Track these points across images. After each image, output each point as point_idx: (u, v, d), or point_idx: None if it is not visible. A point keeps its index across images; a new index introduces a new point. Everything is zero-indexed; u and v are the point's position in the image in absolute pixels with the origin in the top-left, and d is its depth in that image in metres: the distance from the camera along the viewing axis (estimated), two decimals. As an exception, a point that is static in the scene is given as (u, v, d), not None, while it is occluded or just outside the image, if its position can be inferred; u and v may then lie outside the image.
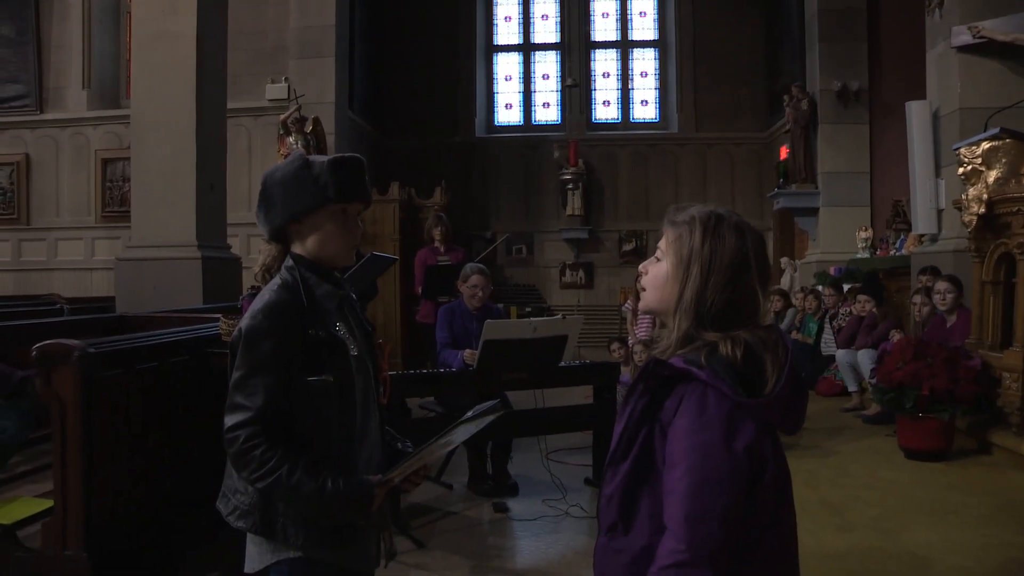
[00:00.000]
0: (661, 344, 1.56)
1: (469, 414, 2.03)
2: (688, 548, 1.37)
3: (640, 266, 1.67)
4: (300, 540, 1.96)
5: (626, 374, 7.39)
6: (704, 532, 1.37)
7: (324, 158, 2.05)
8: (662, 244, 1.61)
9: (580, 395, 6.02)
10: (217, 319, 4.61)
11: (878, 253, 10.09)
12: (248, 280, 8.65)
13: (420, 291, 7.89)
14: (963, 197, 5.67)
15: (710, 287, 1.50)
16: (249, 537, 2.05)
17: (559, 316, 5.75)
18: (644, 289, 1.65)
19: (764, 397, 1.44)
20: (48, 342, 3.65)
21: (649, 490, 1.47)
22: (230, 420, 1.90)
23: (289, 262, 2.04)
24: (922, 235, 8.09)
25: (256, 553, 2.03)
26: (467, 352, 5.09)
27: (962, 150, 5.72)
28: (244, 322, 1.96)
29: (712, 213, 1.57)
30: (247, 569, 2.05)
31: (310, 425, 1.95)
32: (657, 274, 1.59)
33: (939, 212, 7.60)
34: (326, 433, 1.97)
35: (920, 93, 8.07)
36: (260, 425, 1.87)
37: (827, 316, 8.52)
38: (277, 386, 1.90)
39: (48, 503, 3.79)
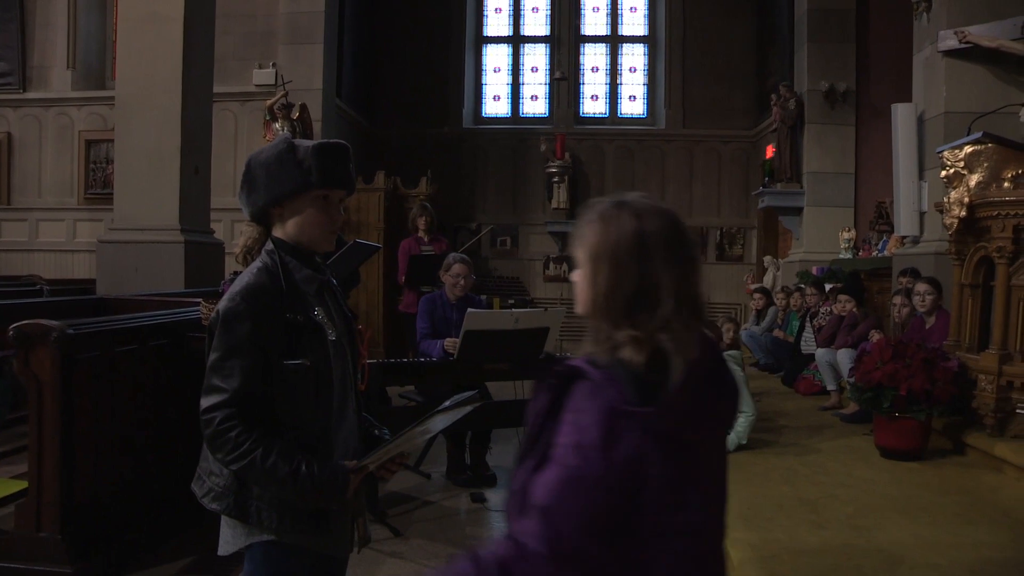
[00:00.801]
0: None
1: (447, 403, 2.03)
2: (536, 538, 1.29)
3: (571, 276, 1.58)
4: (274, 523, 1.96)
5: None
6: (556, 531, 1.29)
7: (309, 143, 2.04)
8: (575, 247, 1.52)
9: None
10: (198, 303, 4.59)
11: (860, 254, 10.15)
12: (231, 265, 8.62)
13: (403, 280, 7.88)
14: (945, 200, 5.71)
15: (613, 280, 1.40)
16: (223, 520, 2.04)
17: (541, 309, 5.75)
18: None
19: (654, 406, 1.33)
20: (26, 322, 3.63)
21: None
22: (206, 402, 1.90)
23: (269, 245, 2.04)
24: (904, 237, 8.14)
25: (230, 536, 2.03)
26: (448, 340, 5.09)
27: (945, 153, 5.75)
28: (222, 304, 1.96)
29: (613, 202, 1.47)
30: (221, 551, 2.05)
31: (286, 409, 1.95)
32: (577, 279, 1.51)
33: (921, 215, 7.65)
34: (302, 417, 1.97)
35: (906, 96, 8.12)
36: (236, 407, 1.87)
37: (808, 315, 8.57)
38: (253, 368, 1.90)
39: (23, 484, 3.77)
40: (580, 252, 1.48)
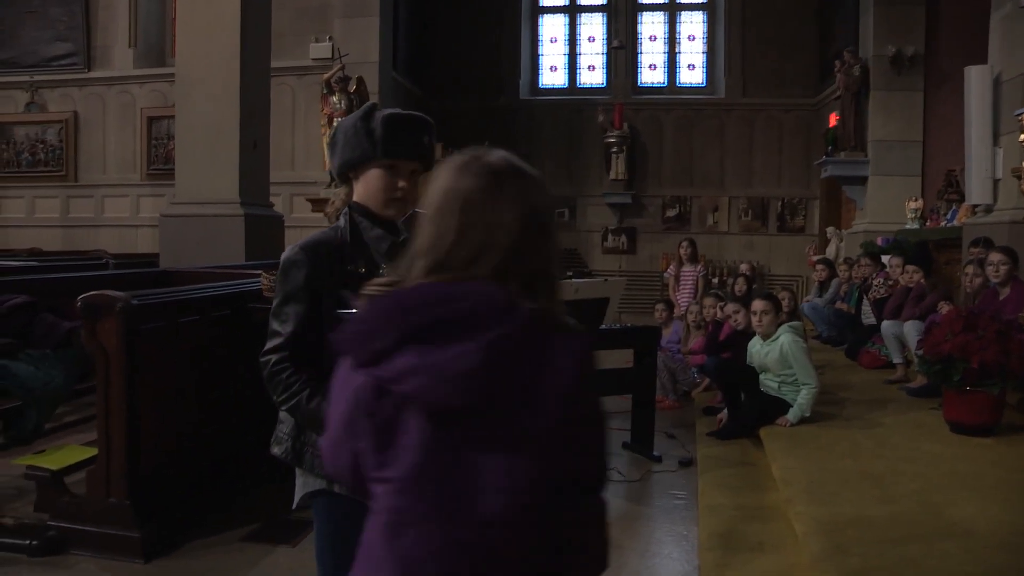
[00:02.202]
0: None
1: None
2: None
3: None
4: (325, 470, 1.99)
5: (666, 336, 7.38)
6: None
7: (387, 112, 2.07)
8: None
9: (620, 359, 5.98)
10: (259, 275, 4.63)
11: (927, 224, 9.86)
12: (290, 238, 8.71)
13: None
14: (1023, 165, 5.49)
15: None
16: (296, 472, 2.12)
17: (602, 279, 5.69)
18: None
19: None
20: (92, 293, 3.70)
21: None
22: (266, 346, 2.01)
23: (345, 208, 2.13)
24: (976, 206, 7.88)
25: (297, 486, 2.11)
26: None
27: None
28: (284, 254, 2.05)
29: (471, 154, 1.44)
30: (295, 504, 2.14)
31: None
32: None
33: (995, 182, 7.39)
34: None
35: (980, 58, 7.81)
36: (288, 351, 1.98)
37: (862, 287, 8.36)
38: (307, 314, 1.99)
39: (93, 451, 3.86)
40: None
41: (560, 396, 1.29)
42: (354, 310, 1.93)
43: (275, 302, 2.03)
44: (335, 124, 2.19)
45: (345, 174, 2.12)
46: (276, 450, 2.10)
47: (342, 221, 2.09)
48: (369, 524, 1.35)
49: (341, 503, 2.01)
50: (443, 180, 1.39)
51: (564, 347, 1.31)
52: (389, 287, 1.42)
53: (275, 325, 2.01)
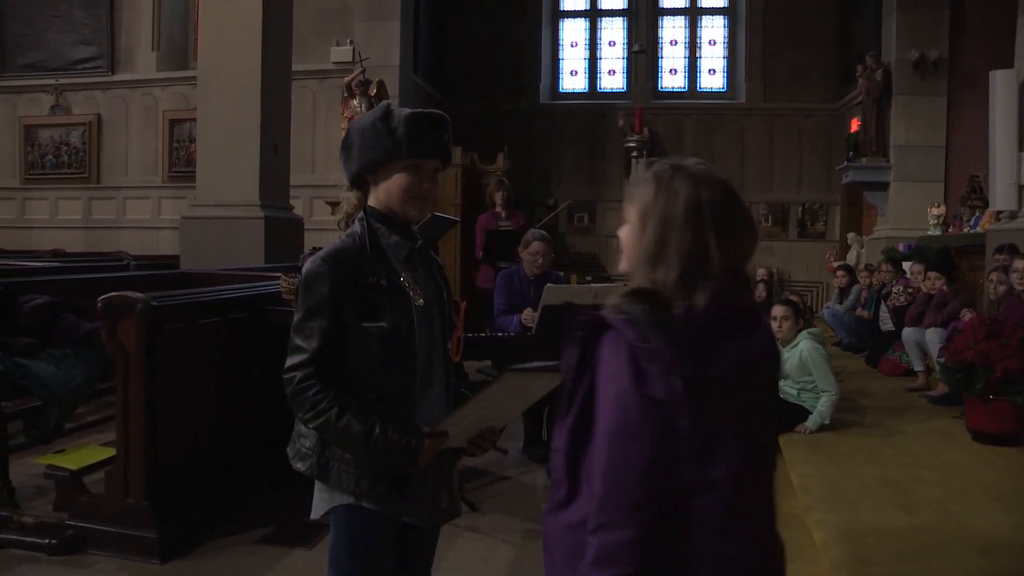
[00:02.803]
0: None
1: (524, 365, 1.99)
2: (604, 507, 1.30)
3: (618, 231, 1.58)
4: (352, 486, 1.99)
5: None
6: (620, 488, 1.30)
7: (405, 111, 2.05)
8: (626, 205, 1.53)
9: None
10: (278, 278, 4.64)
11: (950, 230, 9.76)
12: (310, 241, 8.74)
13: (480, 256, 7.88)
14: (1047, 171, 5.43)
15: (662, 240, 1.41)
16: (316, 485, 2.09)
17: (621, 284, 5.66)
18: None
19: (665, 339, 1.34)
20: (113, 294, 3.73)
21: (591, 444, 1.40)
22: (289, 362, 1.97)
23: (362, 213, 2.09)
24: (1000, 212, 7.80)
25: (319, 500, 2.08)
26: (526, 312, 5.05)
27: (1048, 122, 5.46)
28: (305, 266, 2.02)
29: (669, 165, 1.47)
30: (312, 515, 2.11)
31: (363, 370, 1.98)
32: (625, 237, 1.51)
33: (1020, 188, 7.31)
34: (380, 380, 1.99)
35: (1005, 62, 7.73)
36: (314, 367, 1.93)
37: (881, 293, 8.29)
38: (331, 329, 1.94)
39: (112, 451, 3.88)
40: (631, 212, 1.49)
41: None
42: (378, 324, 1.93)
43: (297, 316, 1.99)
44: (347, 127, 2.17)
45: (362, 177, 2.09)
46: (300, 465, 2.06)
47: (358, 227, 2.05)
48: (677, 535, 1.34)
49: (364, 515, 2.01)
50: (679, 192, 1.42)
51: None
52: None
53: (298, 340, 1.97)
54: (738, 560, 1.36)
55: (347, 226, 2.15)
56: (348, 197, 2.18)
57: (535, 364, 1.99)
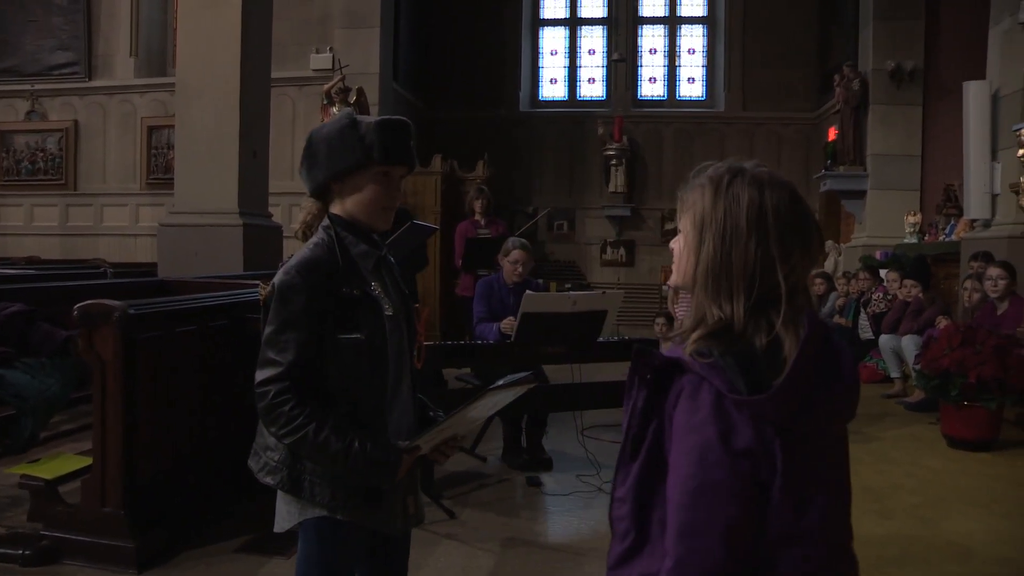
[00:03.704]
0: (679, 326, 1.37)
1: (500, 382, 2.01)
2: (683, 569, 1.20)
3: (670, 243, 1.46)
4: (327, 499, 1.95)
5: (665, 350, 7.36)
6: (700, 548, 1.20)
7: (371, 118, 2.02)
8: (680, 212, 1.40)
9: (618, 371, 5.97)
10: (257, 285, 4.62)
11: (926, 238, 9.87)
12: (289, 248, 8.69)
13: (460, 264, 7.87)
14: (1021, 180, 5.50)
15: (725, 254, 1.28)
16: (279, 496, 2.04)
17: (600, 292, 5.68)
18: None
19: (763, 393, 1.21)
20: (89, 302, 3.69)
21: (663, 494, 1.28)
22: (261, 375, 1.90)
23: (326, 221, 2.03)
24: (974, 220, 7.89)
25: (285, 512, 2.03)
26: (505, 321, 5.05)
27: (1022, 131, 5.53)
28: (278, 278, 1.95)
29: (729, 168, 1.35)
30: (276, 528, 2.05)
31: (341, 383, 1.94)
32: (678, 248, 1.39)
33: (993, 197, 7.40)
34: (357, 392, 1.96)
35: (978, 73, 7.84)
36: (290, 381, 1.87)
37: (860, 301, 8.36)
38: (308, 342, 1.89)
39: (88, 460, 3.84)
40: (686, 220, 1.36)
41: None
42: (355, 335, 1.91)
43: (269, 329, 1.91)
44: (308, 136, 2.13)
45: (327, 186, 2.03)
46: (269, 479, 1.99)
47: (324, 236, 1.99)
48: None
49: (336, 527, 1.98)
50: (740, 198, 1.31)
51: None
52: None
53: (271, 353, 1.89)
54: None
55: (306, 236, 2.10)
56: (307, 207, 2.12)
57: (510, 378, 2.00)
